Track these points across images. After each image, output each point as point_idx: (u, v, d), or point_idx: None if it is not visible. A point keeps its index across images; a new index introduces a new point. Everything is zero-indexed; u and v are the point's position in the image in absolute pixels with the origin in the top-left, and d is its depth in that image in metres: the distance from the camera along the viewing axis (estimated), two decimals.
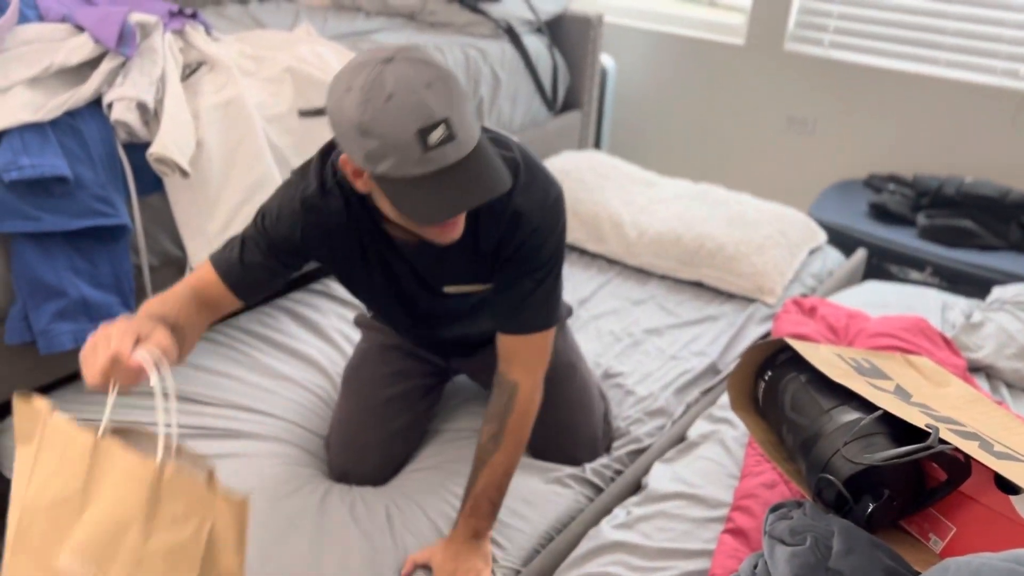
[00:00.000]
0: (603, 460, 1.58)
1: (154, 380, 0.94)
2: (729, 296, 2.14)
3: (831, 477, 1.07)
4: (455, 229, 1.16)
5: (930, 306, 2.08)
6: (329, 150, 1.27)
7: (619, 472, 1.58)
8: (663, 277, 2.23)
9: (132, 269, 1.65)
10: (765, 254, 2.11)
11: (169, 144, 1.60)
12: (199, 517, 0.89)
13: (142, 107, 1.63)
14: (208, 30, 2.03)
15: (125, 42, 1.66)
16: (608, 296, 2.12)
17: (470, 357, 1.62)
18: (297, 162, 1.93)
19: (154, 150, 1.58)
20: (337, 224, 1.26)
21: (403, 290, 1.39)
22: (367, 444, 1.54)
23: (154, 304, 1.18)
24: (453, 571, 1.29)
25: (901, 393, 1.26)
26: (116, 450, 0.91)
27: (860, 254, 2.43)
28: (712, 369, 1.85)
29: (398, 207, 1.07)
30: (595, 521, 1.42)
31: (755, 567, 1.13)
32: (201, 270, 1.29)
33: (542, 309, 1.30)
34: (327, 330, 1.90)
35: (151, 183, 1.69)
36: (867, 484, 1.07)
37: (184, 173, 1.63)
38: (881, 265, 2.58)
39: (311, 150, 1.93)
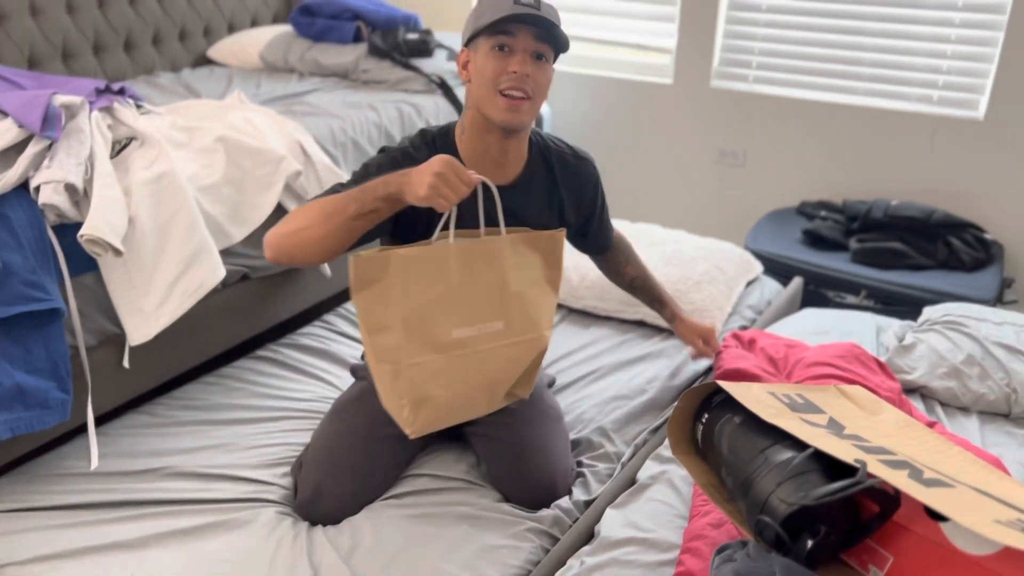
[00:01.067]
0: (565, 505, 1.59)
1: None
2: (671, 333, 2.18)
3: (768, 519, 1.09)
4: (520, 111, 1.42)
5: (865, 330, 2.13)
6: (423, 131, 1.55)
7: (576, 520, 1.59)
8: (607, 318, 2.26)
9: (68, 351, 1.63)
10: (703, 291, 2.16)
11: (100, 224, 1.59)
12: (533, 260, 1.46)
13: (71, 188, 1.62)
14: (139, 103, 2.03)
15: (50, 125, 1.65)
16: (554, 340, 2.14)
17: None
18: (234, 229, 1.93)
19: (85, 232, 1.57)
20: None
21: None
22: (350, 466, 1.56)
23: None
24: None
25: (834, 426, 1.29)
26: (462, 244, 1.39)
27: (796, 282, 2.50)
28: (656, 406, 1.88)
29: (487, 31, 1.40)
30: (549, 574, 1.43)
31: None
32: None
33: (609, 225, 1.82)
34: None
35: (84, 262, 1.68)
36: (804, 522, 1.10)
37: (117, 252, 1.62)
38: (818, 291, 2.65)
39: (248, 217, 1.95)
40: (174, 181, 1.78)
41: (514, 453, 1.61)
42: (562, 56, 3.57)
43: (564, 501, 1.60)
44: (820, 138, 3.01)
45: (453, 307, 1.41)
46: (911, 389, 1.87)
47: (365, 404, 1.64)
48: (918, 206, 2.73)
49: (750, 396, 1.28)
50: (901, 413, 1.44)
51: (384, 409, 1.59)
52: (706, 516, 1.45)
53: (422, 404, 1.43)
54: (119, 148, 1.85)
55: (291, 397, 1.90)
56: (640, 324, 2.23)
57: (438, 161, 1.29)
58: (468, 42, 1.47)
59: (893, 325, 2.14)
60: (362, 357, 1.80)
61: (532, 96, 1.43)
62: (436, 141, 1.53)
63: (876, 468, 1.11)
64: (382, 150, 1.52)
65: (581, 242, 1.79)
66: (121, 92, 1.95)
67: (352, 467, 1.58)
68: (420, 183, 1.28)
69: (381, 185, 1.34)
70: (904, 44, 2.84)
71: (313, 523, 1.55)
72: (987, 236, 2.70)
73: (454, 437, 1.73)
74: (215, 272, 1.80)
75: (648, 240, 2.40)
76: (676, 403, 1.35)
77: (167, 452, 1.70)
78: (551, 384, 1.88)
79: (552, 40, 1.44)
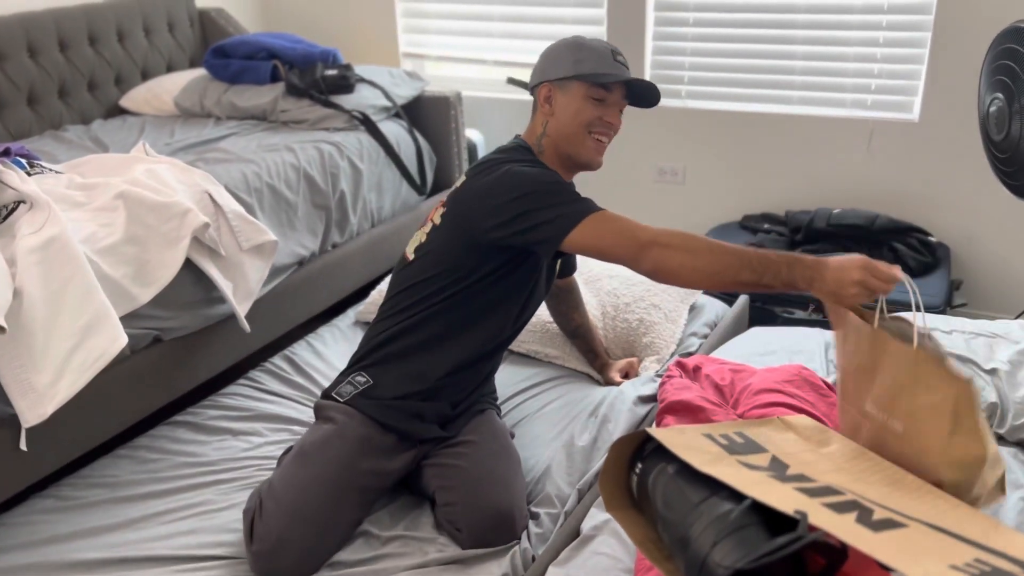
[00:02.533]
0: (513, 560, 1.48)
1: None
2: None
3: None
4: (603, 150, 1.65)
5: (813, 347, 2.06)
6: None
7: None
8: (549, 363, 2.16)
9: None
10: (647, 335, 2.08)
11: None
12: (944, 390, 1.20)
13: None
14: (32, 162, 1.90)
15: None
16: (497, 379, 2.03)
17: (445, 424, 1.66)
18: (139, 290, 1.80)
19: None
20: None
21: (539, 261, 1.65)
22: (316, 517, 1.46)
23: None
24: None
25: (777, 466, 1.21)
26: (886, 337, 1.27)
27: (742, 301, 2.42)
28: (601, 450, 1.78)
29: (590, 71, 1.56)
30: None
31: None
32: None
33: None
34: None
35: None
36: None
37: (0, 329, 1.48)
38: (765, 307, 2.58)
39: (155, 276, 1.83)
40: (66, 245, 1.65)
41: (473, 480, 1.52)
42: (491, 81, 3.55)
43: (515, 552, 1.49)
44: (758, 149, 2.95)
45: (869, 382, 1.37)
46: None
47: (333, 449, 1.55)
48: (861, 213, 2.68)
49: (681, 442, 1.18)
50: (850, 442, 1.37)
51: (363, 462, 1.53)
52: (651, 570, 1.35)
53: None
54: (5, 213, 1.72)
55: (216, 460, 1.77)
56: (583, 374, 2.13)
57: (858, 268, 1.29)
58: (557, 80, 1.60)
59: None
60: (324, 395, 1.68)
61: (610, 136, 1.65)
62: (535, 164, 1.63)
63: (820, 515, 1.02)
64: (507, 158, 1.60)
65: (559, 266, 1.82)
66: (6, 153, 1.82)
67: (318, 519, 1.47)
68: (841, 287, 1.31)
69: (786, 268, 1.35)
70: (834, 50, 2.80)
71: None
72: (931, 239, 2.65)
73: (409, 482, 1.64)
74: (116, 340, 1.66)
75: (583, 278, 2.30)
76: (607, 454, 1.25)
77: (73, 537, 1.56)
78: (499, 412, 1.81)
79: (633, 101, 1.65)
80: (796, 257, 1.36)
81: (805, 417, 1.42)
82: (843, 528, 0.98)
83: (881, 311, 1.34)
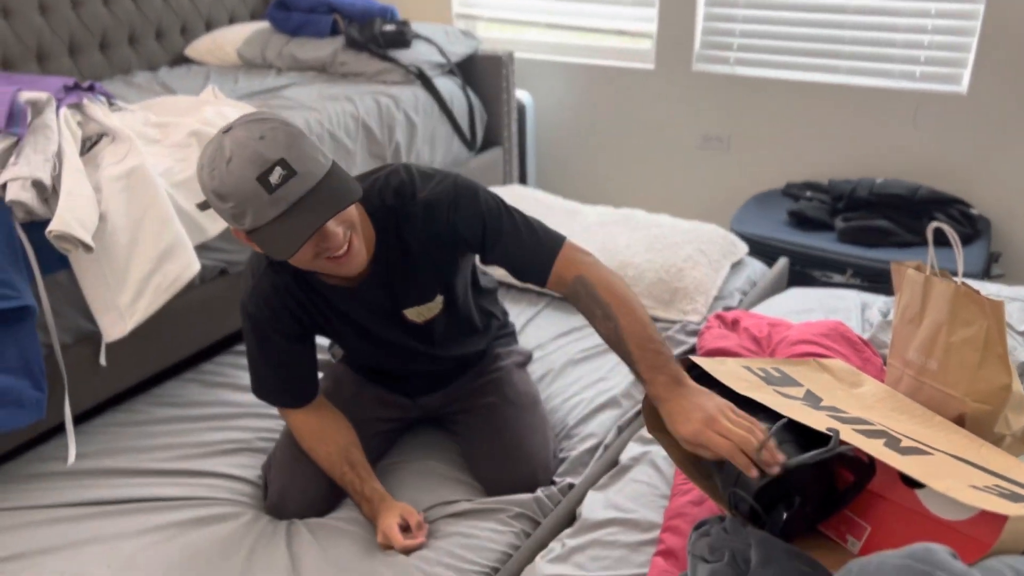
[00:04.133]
0: (547, 490, 1.58)
1: None
2: (655, 319, 2.16)
3: (741, 492, 1.08)
4: (349, 259, 1.28)
5: (850, 307, 2.12)
6: None
7: (558, 504, 1.57)
8: None
9: (42, 350, 1.62)
10: (686, 276, 2.14)
11: (69, 220, 1.57)
12: (979, 322, 1.27)
13: (39, 185, 1.60)
14: (110, 101, 2.01)
15: (15, 121, 1.64)
16: (536, 329, 2.13)
17: (436, 391, 1.68)
18: (209, 225, 1.91)
19: (53, 227, 1.55)
20: (292, 292, 1.42)
21: (369, 330, 1.50)
22: (316, 469, 1.53)
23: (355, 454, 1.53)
24: (707, 418, 1.13)
25: (811, 399, 1.28)
26: (936, 280, 1.35)
27: (782, 263, 2.48)
28: (639, 387, 1.86)
29: (269, 252, 1.19)
30: (530, 558, 1.41)
31: None
32: (294, 420, 1.54)
33: (545, 235, 1.39)
34: None
35: (56, 260, 1.66)
36: (778, 494, 1.09)
37: (88, 248, 1.60)
38: (804, 271, 2.63)
39: None
40: (145, 176, 1.76)
41: (490, 452, 1.59)
42: (542, 44, 3.61)
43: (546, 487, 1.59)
44: (804, 118, 2.99)
45: (914, 330, 1.41)
46: None
47: (340, 395, 1.63)
48: (903, 183, 2.71)
49: (724, 370, 1.26)
50: (882, 385, 1.43)
51: (356, 412, 1.60)
52: (687, 494, 1.43)
53: None
54: (90, 144, 1.83)
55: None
56: None
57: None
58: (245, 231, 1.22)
59: (878, 301, 2.13)
60: (331, 345, 1.80)
61: (351, 239, 1.27)
62: (271, 274, 1.41)
63: (851, 437, 1.09)
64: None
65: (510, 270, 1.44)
66: (91, 89, 1.93)
67: (318, 470, 1.54)
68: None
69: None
70: (885, 20, 2.82)
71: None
72: (973, 211, 2.68)
73: (430, 424, 1.72)
74: (190, 266, 1.78)
75: (633, 223, 2.38)
76: None
77: (145, 449, 1.69)
78: (527, 362, 1.82)
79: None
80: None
81: (839, 361, 1.48)
82: (873, 447, 1.06)
83: (932, 267, 1.41)
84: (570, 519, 1.52)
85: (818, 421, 1.12)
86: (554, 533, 1.48)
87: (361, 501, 1.49)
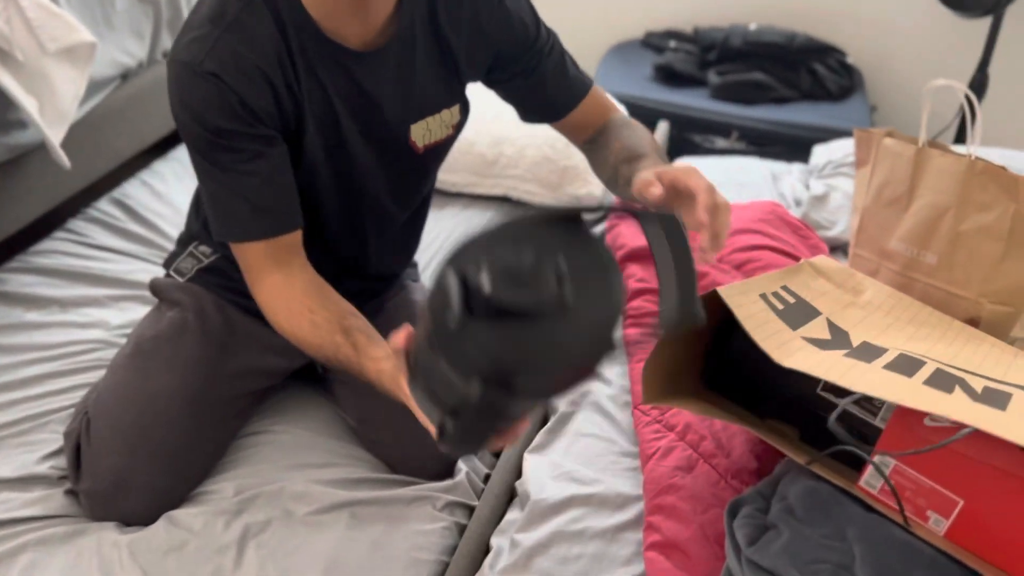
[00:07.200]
0: (469, 462, 1.19)
1: None
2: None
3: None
4: None
5: (760, 180, 1.84)
6: None
7: (488, 477, 1.18)
8: (457, 195, 1.80)
9: None
10: (574, 152, 1.71)
11: None
12: (1003, 205, 1.07)
13: None
14: None
15: None
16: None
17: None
18: None
19: None
20: (274, 46, 0.94)
21: (348, 154, 1.05)
22: (169, 445, 1.09)
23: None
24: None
25: (839, 337, 0.99)
26: (934, 152, 1.14)
27: (663, 128, 2.14)
28: None
29: None
30: (475, 567, 1.02)
31: None
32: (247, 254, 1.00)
33: (578, 70, 1.18)
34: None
35: None
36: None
37: None
38: (682, 135, 2.32)
39: None
40: None
41: (389, 416, 1.10)
42: None
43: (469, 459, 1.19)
44: None
45: (899, 216, 1.22)
46: (835, 247, 1.60)
47: (184, 346, 1.13)
48: (779, 31, 2.43)
49: (745, 313, 0.93)
50: (878, 283, 1.17)
51: (229, 360, 1.14)
52: (668, 455, 1.09)
53: None
54: None
55: (43, 345, 1.32)
56: (503, 199, 1.80)
57: None
58: None
59: (792, 172, 1.85)
60: (168, 269, 1.22)
61: None
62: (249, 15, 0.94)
63: (937, 402, 0.79)
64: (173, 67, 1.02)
65: (524, 101, 1.18)
66: None
67: (171, 447, 1.09)
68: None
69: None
70: None
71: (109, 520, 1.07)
72: (849, 61, 2.46)
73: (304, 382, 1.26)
74: None
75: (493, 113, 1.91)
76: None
77: None
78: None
79: None
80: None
81: (825, 258, 1.20)
82: (969, 414, 0.78)
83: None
84: (509, 498, 1.14)
85: (884, 384, 0.82)
86: (494, 522, 1.09)
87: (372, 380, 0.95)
